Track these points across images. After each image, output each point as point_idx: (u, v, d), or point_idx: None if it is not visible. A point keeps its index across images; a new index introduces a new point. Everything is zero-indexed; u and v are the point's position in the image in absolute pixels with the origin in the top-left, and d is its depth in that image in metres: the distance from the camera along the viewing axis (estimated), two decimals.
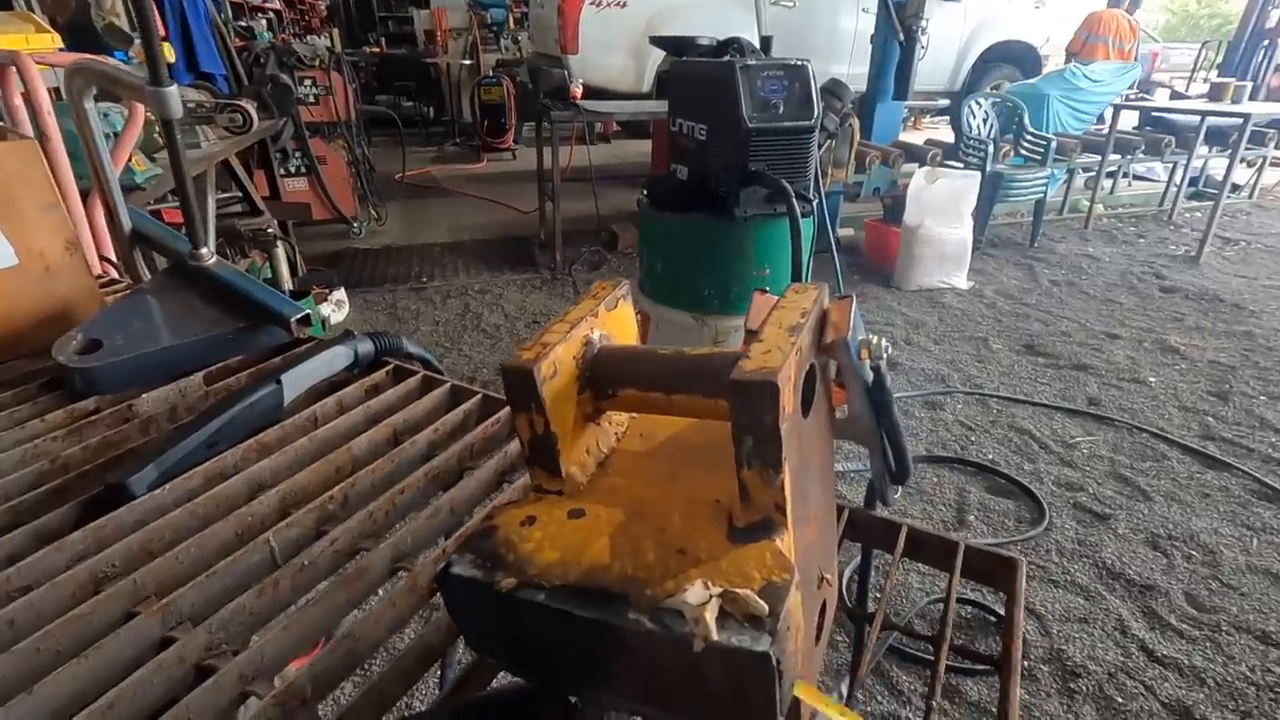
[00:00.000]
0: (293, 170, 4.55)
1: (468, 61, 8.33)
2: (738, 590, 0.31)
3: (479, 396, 0.78)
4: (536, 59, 6.88)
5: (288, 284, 3.46)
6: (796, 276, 2.06)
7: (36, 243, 0.84)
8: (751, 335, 0.36)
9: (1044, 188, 4.60)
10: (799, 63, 2.06)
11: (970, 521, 2.18)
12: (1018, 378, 3.08)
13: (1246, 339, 3.43)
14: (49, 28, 2.47)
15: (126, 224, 0.90)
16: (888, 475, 0.49)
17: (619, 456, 0.42)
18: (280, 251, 3.36)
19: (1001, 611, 1.73)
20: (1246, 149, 4.71)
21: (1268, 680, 1.67)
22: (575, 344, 0.39)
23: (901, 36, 4.40)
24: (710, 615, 0.30)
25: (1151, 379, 3.06)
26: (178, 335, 0.83)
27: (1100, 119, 5.32)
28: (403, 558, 0.59)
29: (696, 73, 2.22)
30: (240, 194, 3.49)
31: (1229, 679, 1.67)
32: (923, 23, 4.35)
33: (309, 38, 6.64)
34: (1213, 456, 2.50)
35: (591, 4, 5.48)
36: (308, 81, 4.67)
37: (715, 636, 0.29)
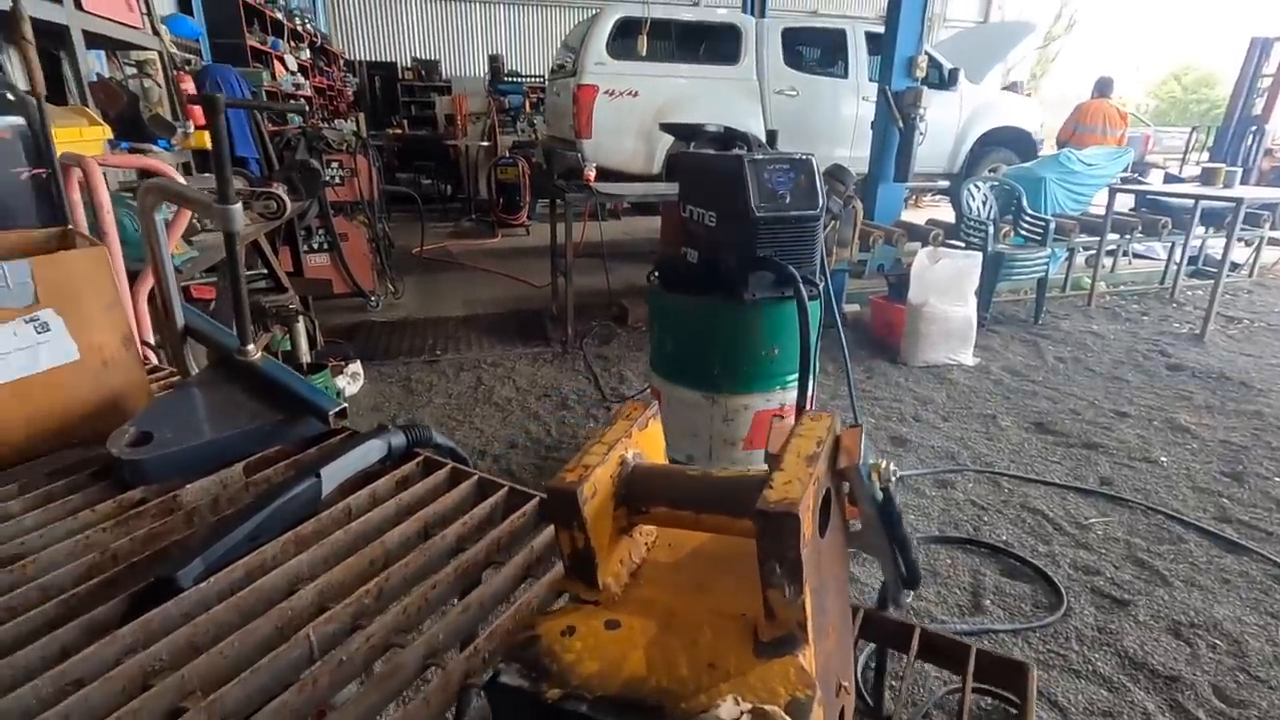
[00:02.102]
0: (316, 247, 4.73)
1: (485, 143, 8.73)
2: (765, 707, 0.34)
3: (505, 490, 0.82)
4: (551, 142, 7.22)
5: (306, 357, 3.55)
6: (805, 359, 2.11)
7: (96, 339, 0.90)
8: (773, 461, 0.40)
9: (1045, 266, 4.71)
10: (803, 156, 2.18)
11: (986, 606, 2.15)
12: (1028, 456, 3.08)
13: (1257, 418, 3.44)
14: (101, 121, 2.65)
15: (180, 320, 0.97)
16: (899, 581, 0.52)
17: (649, 567, 0.45)
18: (301, 326, 3.46)
19: None
20: (1243, 229, 4.83)
21: None
22: (612, 464, 0.43)
23: (900, 123, 4.63)
24: None
25: (1163, 458, 3.05)
26: (221, 427, 0.88)
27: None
28: (434, 654, 0.61)
29: (707, 165, 2.35)
30: (266, 270, 3.63)
31: None
32: (920, 110, 4.59)
33: (336, 122, 7.01)
34: (1231, 540, 2.47)
35: (605, 93, 5.79)
36: (334, 164, 4.91)
37: None
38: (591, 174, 4.78)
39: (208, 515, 0.78)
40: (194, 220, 2.39)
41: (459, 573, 0.70)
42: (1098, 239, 4.93)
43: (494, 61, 11.23)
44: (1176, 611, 2.13)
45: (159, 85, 3.96)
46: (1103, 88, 6.79)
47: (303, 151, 4.67)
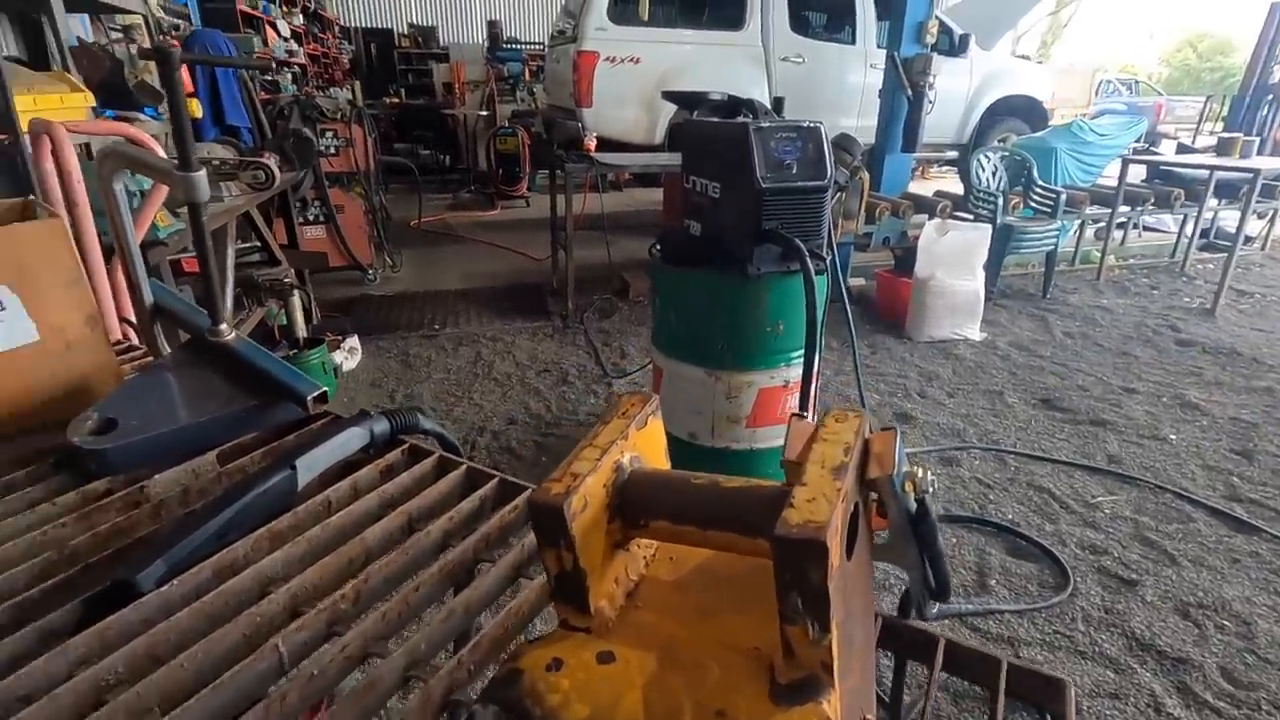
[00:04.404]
0: (311, 219, 4.64)
1: (484, 112, 8.55)
2: None
3: (495, 481, 0.77)
4: (551, 111, 7.06)
5: (302, 331, 3.49)
6: (811, 334, 2.05)
7: (58, 318, 0.84)
8: (792, 471, 0.35)
9: (1055, 239, 4.61)
10: (812, 124, 2.09)
11: (992, 586, 2.12)
12: (1035, 433, 3.03)
13: (1268, 395, 3.38)
14: (83, 87, 2.55)
15: (148, 298, 0.90)
16: (926, 593, 0.46)
17: (648, 586, 0.40)
18: (296, 300, 3.40)
19: None
20: (1258, 202, 4.72)
21: None
22: (605, 472, 0.37)
23: (909, 92, 4.50)
24: None
25: (1172, 436, 3.00)
26: (193, 413, 0.82)
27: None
28: (415, 665, 0.56)
29: (711, 133, 2.26)
30: (259, 244, 3.55)
31: None
32: (930, 78, 4.45)
33: (331, 90, 6.85)
34: (1240, 519, 2.43)
35: (606, 60, 5.63)
36: (329, 134, 4.80)
37: None
38: (592, 144, 4.67)
39: (176, 508, 0.73)
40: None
41: (444, 573, 0.65)
42: (1109, 211, 4.82)
43: (493, 28, 10.95)
44: (1185, 592, 2.10)
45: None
46: None
47: (296, 121, 4.55)
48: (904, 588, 0.55)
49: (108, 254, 1.40)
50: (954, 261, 3.85)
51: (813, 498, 0.31)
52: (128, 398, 0.81)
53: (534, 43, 12.61)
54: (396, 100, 9.94)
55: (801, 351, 2.13)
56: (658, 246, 2.44)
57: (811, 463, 0.34)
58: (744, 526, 0.35)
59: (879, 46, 5.95)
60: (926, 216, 4.19)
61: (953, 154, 7.04)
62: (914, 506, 0.37)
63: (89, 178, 1.40)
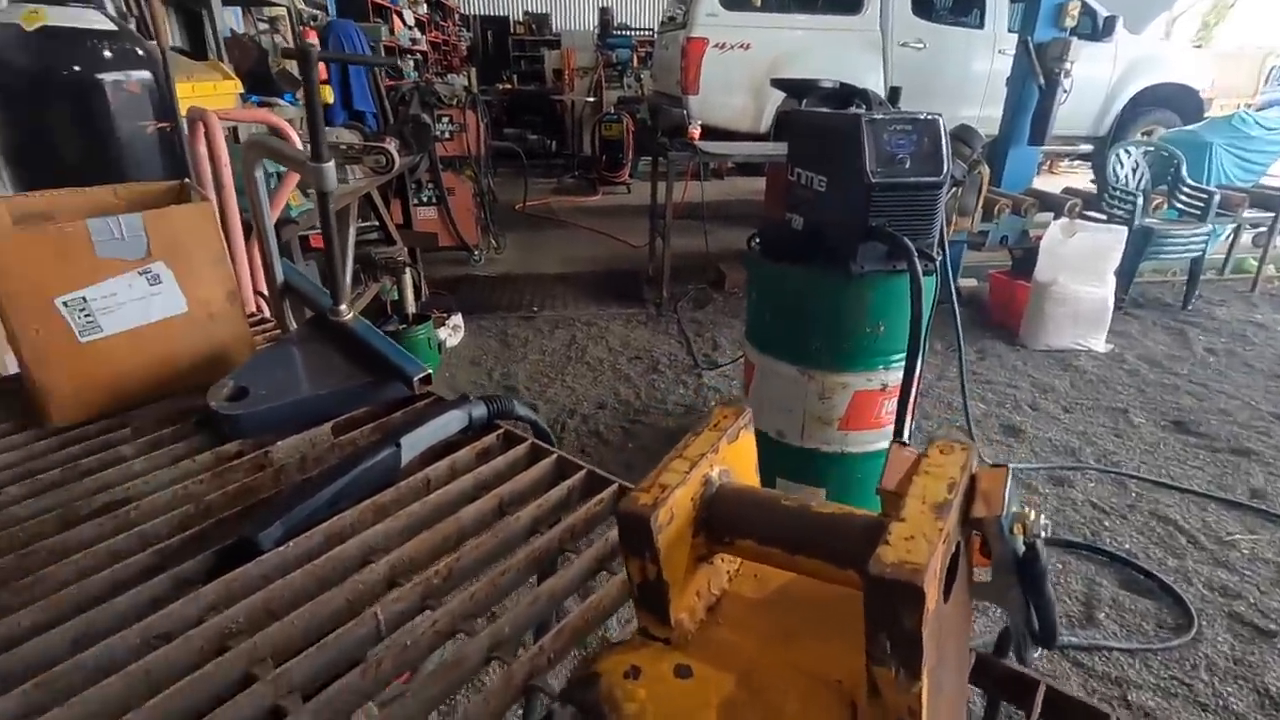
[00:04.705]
0: (424, 200, 4.88)
1: (591, 98, 8.67)
2: None
3: (584, 473, 0.78)
4: (657, 97, 7.06)
5: (411, 307, 3.69)
6: (915, 339, 1.95)
7: (204, 292, 0.92)
8: (890, 502, 0.33)
9: (1203, 245, 4.16)
10: (929, 116, 1.98)
11: (1100, 620, 1.96)
12: (1163, 458, 2.76)
13: None
14: (234, 75, 2.79)
15: (279, 276, 0.98)
16: (1028, 637, 0.43)
17: (730, 601, 0.40)
18: (408, 277, 3.59)
19: None
20: None
21: None
22: (694, 485, 0.37)
23: (1041, 80, 4.17)
24: None
25: None
26: (313, 386, 0.88)
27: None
28: (499, 646, 0.58)
29: (820, 123, 2.18)
30: (378, 223, 3.77)
31: None
32: (1066, 65, 4.10)
33: (449, 76, 7.14)
34: None
35: (715, 46, 5.56)
36: (445, 119, 5.01)
37: None
38: (696, 131, 4.63)
39: (295, 474, 0.79)
40: None
41: (531, 559, 0.67)
42: (1271, 215, 4.29)
43: (604, 14, 11.05)
44: None
45: (287, 40, 4.15)
46: None
47: (416, 106, 4.79)
48: (1004, 624, 0.52)
49: (246, 232, 1.53)
50: (1081, 265, 3.56)
51: (911, 535, 0.30)
52: (258, 368, 0.89)
53: (644, 29, 12.62)
54: (509, 86, 10.24)
55: (902, 355, 2.03)
56: (757, 239, 2.40)
57: (912, 496, 0.32)
58: (834, 555, 0.34)
59: (1010, 31, 5.54)
60: (1052, 215, 3.89)
61: (1087, 148, 6.47)
62: (1022, 549, 0.35)
63: (234, 161, 1.53)
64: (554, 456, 0.82)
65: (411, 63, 7.12)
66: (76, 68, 1.16)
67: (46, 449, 0.83)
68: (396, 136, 3.68)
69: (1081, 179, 7.71)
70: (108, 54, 1.22)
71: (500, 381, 3.56)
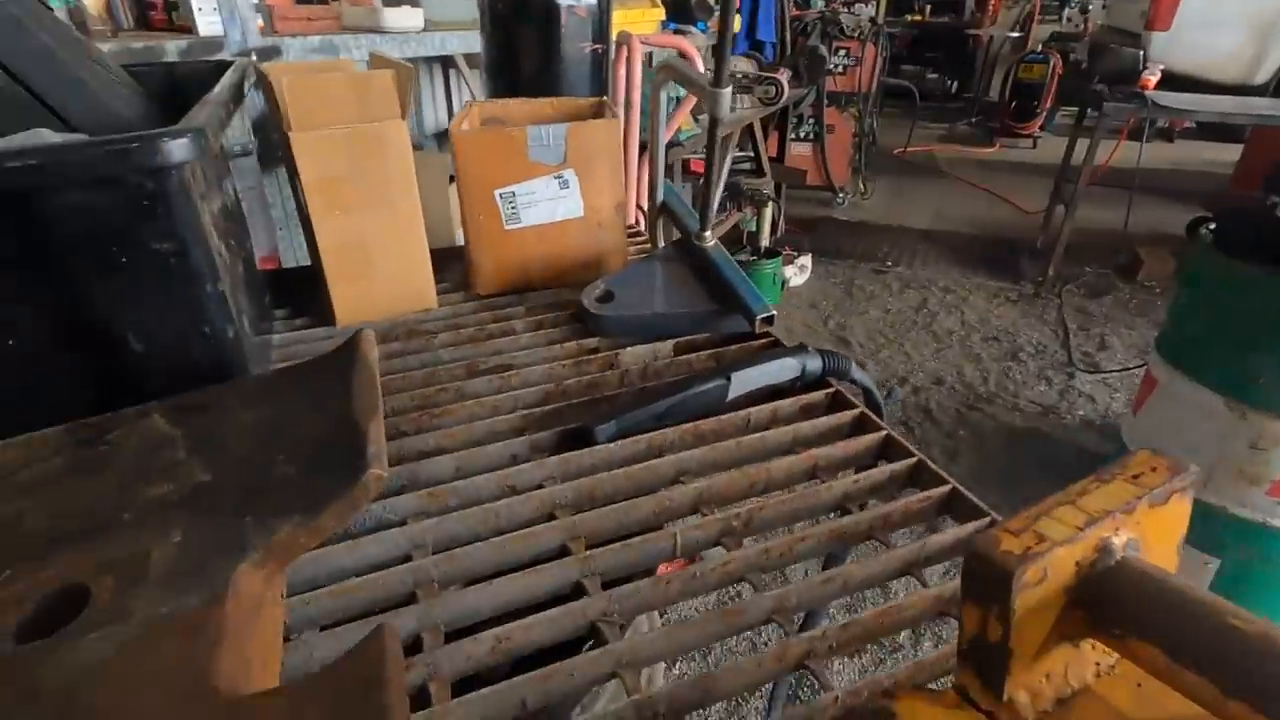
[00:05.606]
0: (802, 135, 4.81)
1: (1015, 34, 7.47)
2: None
3: (913, 461, 0.70)
4: (1105, 34, 5.75)
5: (766, 241, 3.74)
6: None
7: (598, 201, 1.03)
8: None
9: None
10: None
11: None
12: None
13: None
14: (659, 3, 3.03)
15: (660, 196, 1.05)
16: None
17: (1089, 703, 0.30)
18: (769, 211, 3.64)
19: None
20: None
21: None
22: (1085, 548, 0.28)
23: None
24: None
25: None
26: (668, 304, 0.94)
27: None
28: (780, 611, 0.56)
29: None
30: (753, 154, 3.85)
31: None
32: None
33: (856, 6, 6.78)
34: None
35: None
36: (842, 51, 4.80)
37: None
38: (1153, 79, 3.68)
39: (636, 380, 0.86)
40: None
41: (834, 535, 0.63)
42: None
43: None
44: None
45: None
46: None
47: (816, 37, 4.66)
48: None
49: (639, 150, 1.67)
50: None
51: None
52: (626, 277, 0.98)
53: None
54: (919, 18, 9.33)
55: None
56: (1210, 224, 1.85)
57: None
58: None
59: None
60: None
61: None
62: None
63: (644, 83, 1.67)
64: (882, 434, 0.75)
65: None
66: None
67: (469, 310, 1.03)
68: (790, 68, 3.64)
69: None
70: None
71: (834, 332, 3.46)
